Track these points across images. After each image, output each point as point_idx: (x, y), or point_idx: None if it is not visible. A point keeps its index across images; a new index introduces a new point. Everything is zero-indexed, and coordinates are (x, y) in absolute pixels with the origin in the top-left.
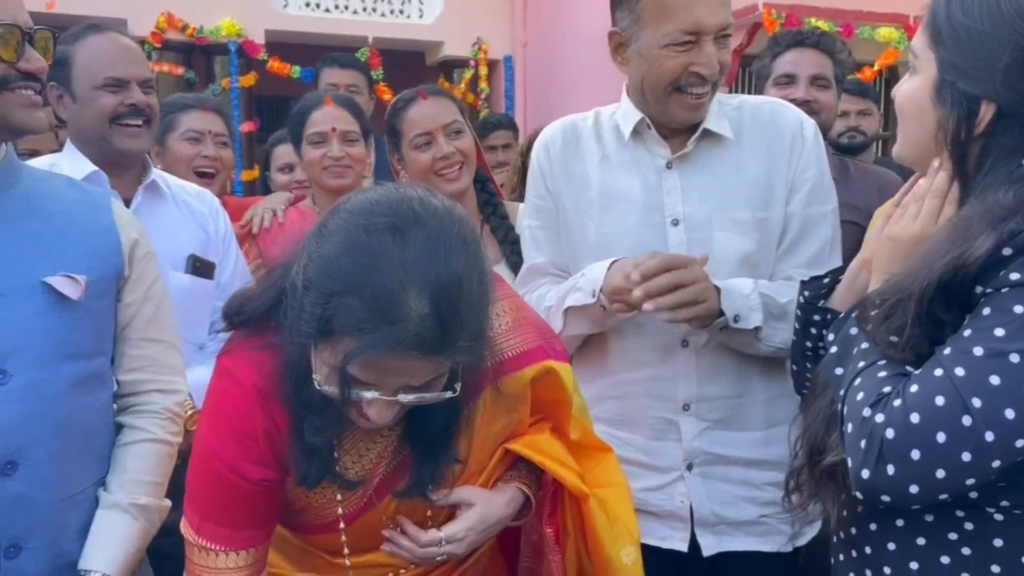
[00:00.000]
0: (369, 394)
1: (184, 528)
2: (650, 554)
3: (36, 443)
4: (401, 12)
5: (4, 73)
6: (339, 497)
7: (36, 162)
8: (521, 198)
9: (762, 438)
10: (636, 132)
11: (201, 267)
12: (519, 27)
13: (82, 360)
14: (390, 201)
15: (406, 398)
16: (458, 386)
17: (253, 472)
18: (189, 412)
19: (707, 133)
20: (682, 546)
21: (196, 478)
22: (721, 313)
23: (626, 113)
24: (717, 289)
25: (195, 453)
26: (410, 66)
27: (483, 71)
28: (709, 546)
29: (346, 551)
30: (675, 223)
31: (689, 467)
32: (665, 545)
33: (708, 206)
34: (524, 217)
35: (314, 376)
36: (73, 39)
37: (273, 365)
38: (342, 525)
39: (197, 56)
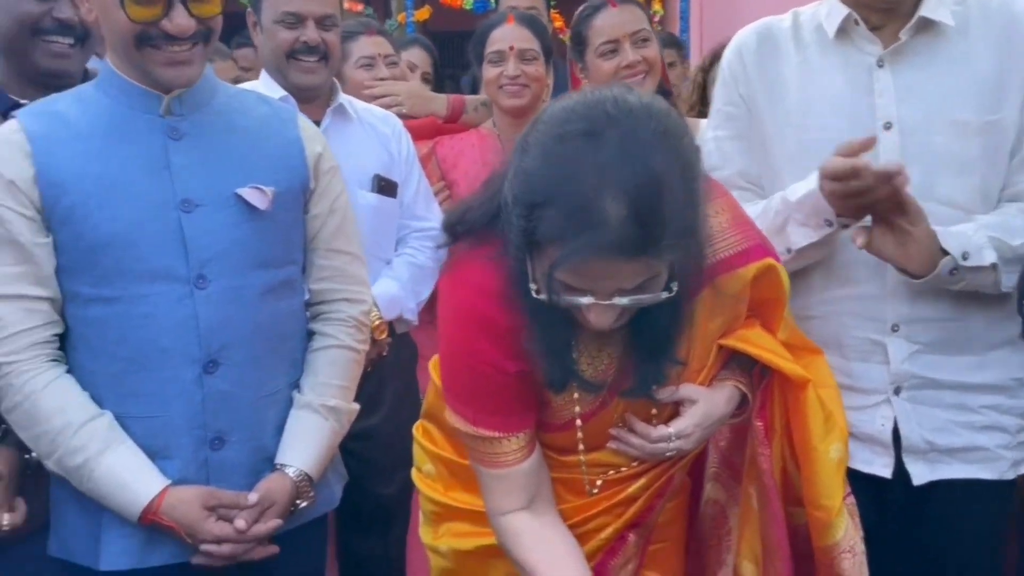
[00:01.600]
0: (584, 299)
1: (461, 424)
2: (851, 479)
3: (235, 344)
4: None
5: (142, 31)
6: (576, 396)
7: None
8: (699, 115)
9: (978, 362)
10: (842, 30)
11: (385, 186)
12: None
13: (273, 268)
14: (584, 106)
15: (621, 301)
16: (675, 286)
17: (508, 364)
18: (376, 322)
19: (924, 23)
20: (885, 472)
21: (456, 376)
22: (944, 254)
23: (831, 10)
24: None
25: (450, 356)
26: None
27: None
28: (920, 475)
29: (581, 447)
30: (887, 127)
31: (897, 391)
32: (867, 470)
33: (925, 107)
34: (709, 128)
35: (531, 285)
36: None
37: (501, 272)
38: (579, 423)
39: None
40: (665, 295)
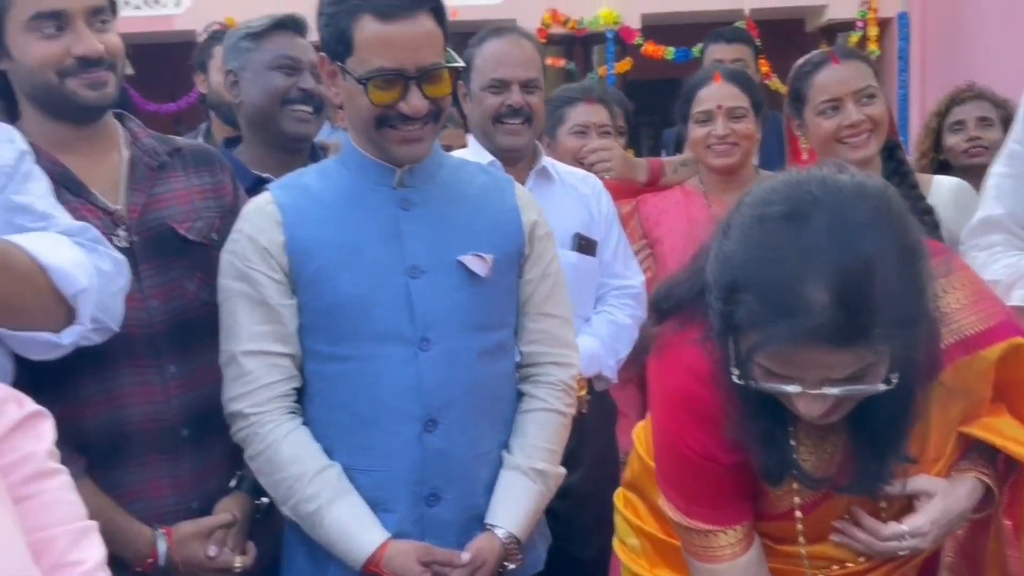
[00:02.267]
0: (789, 387)
1: (673, 513)
2: None
3: (453, 404)
4: None
5: (381, 113)
6: (795, 486)
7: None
8: (932, 163)
9: None
10: None
11: (585, 245)
12: None
13: (489, 331)
14: (787, 187)
15: (831, 391)
16: (895, 378)
17: (723, 456)
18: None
19: None
20: None
21: (670, 466)
22: None
23: None
24: None
25: (661, 443)
26: (788, 35)
27: (872, 32)
28: None
29: (801, 539)
30: None
31: None
32: None
33: None
34: (994, 165)
35: (732, 370)
36: (477, 42)
37: (711, 354)
38: (799, 515)
39: (577, 47)
40: (883, 387)
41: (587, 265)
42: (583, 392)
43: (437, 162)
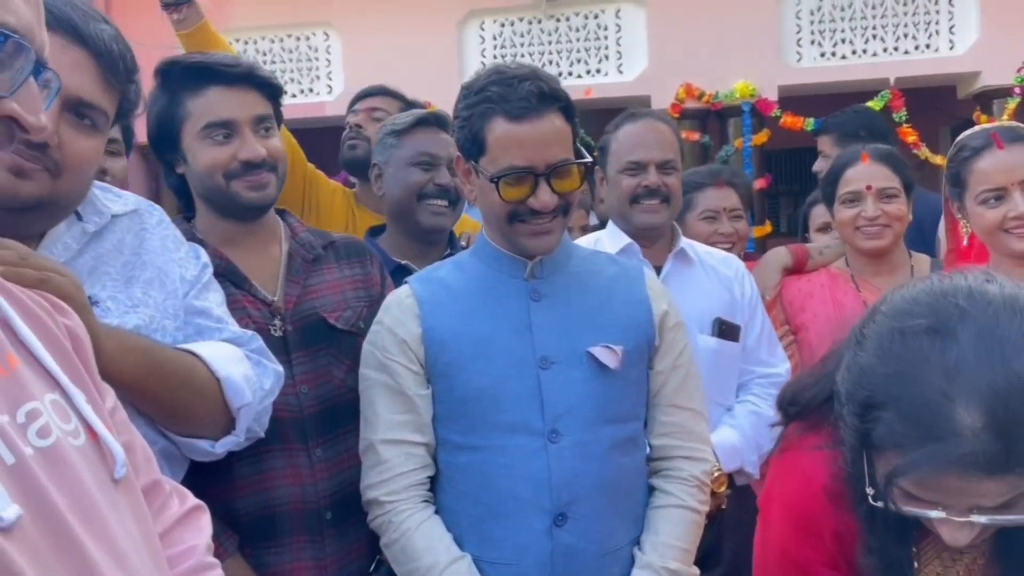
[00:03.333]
0: (934, 513)
1: None
2: None
3: (583, 498)
4: (927, 47)
5: (513, 209)
6: None
7: (583, 240)
8: None
9: None
10: None
11: (727, 330)
12: None
13: (620, 423)
14: (931, 296)
15: (979, 519)
16: None
17: (826, 574)
18: (716, 474)
19: None
20: None
21: (770, 568)
22: None
23: None
24: None
25: (765, 548)
26: (938, 102)
27: None
28: None
29: None
30: None
31: None
32: None
33: None
34: None
35: (867, 489)
36: (614, 127)
37: (836, 465)
38: None
39: (711, 120)
40: None
41: (728, 351)
42: (723, 488)
43: (567, 253)
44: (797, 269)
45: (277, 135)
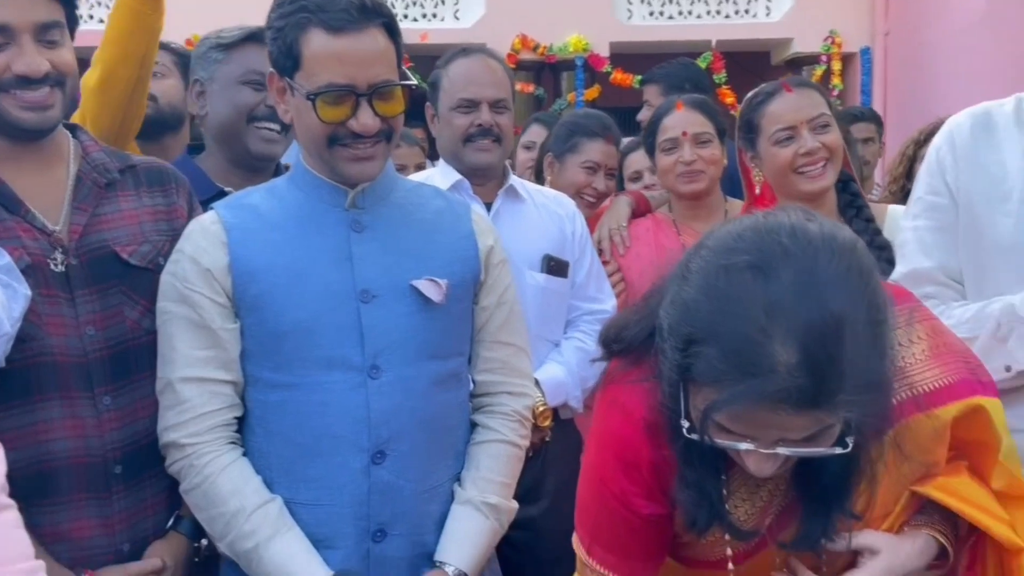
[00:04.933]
0: (743, 445)
1: (576, 545)
2: None
3: (403, 435)
4: (746, 12)
5: (332, 132)
6: (728, 537)
7: (415, 176)
8: (902, 189)
9: None
10: None
11: (556, 266)
12: (880, 15)
13: (442, 359)
14: (755, 233)
15: (784, 451)
16: (850, 441)
17: (642, 507)
18: (540, 408)
19: None
20: None
21: (587, 501)
22: None
23: None
24: None
25: (585, 477)
26: (754, 67)
27: (836, 66)
28: None
29: None
30: None
31: None
32: None
33: None
34: (907, 218)
35: (682, 422)
36: (445, 63)
37: (655, 399)
38: (731, 566)
39: (546, 74)
40: (838, 450)
41: (557, 287)
42: (547, 422)
43: (390, 184)
44: (639, 214)
45: (67, 46)
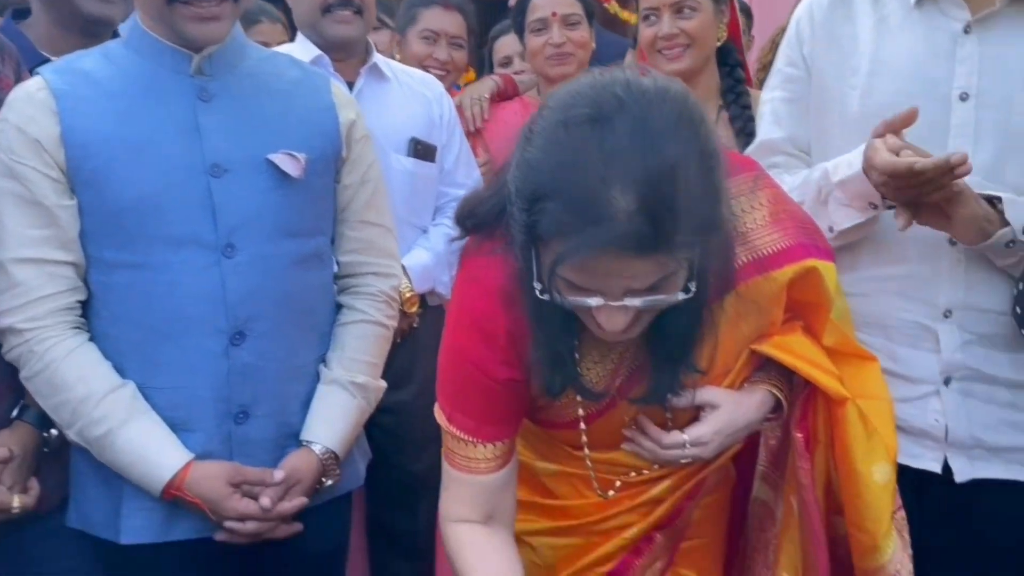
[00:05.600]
0: (593, 300)
1: (438, 414)
2: (900, 474)
3: (262, 315)
4: None
5: None
6: (579, 398)
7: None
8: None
9: None
10: None
11: (423, 150)
12: None
13: (303, 237)
14: (592, 88)
15: (633, 302)
16: (693, 286)
17: (499, 372)
18: (407, 294)
19: None
20: (935, 466)
21: (446, 371)
22: (1004, 223)
23: None
24: (993, 202)
25: (445, 348)
26: None
27: None
28: (962, 471)
29: (586, 450)
30: (963, 98)
31: (947, 382)
32: (916, 464)
33: (1010, 81)
34: (766, 89)
35: (535, 284)
36: None
37: (509, 267)
38: (583, 425)
39: None
40: (682, 296)
41: (425, 172)
42: (415, 308)
43: (240, 51)
44: (506, 96)
45: None
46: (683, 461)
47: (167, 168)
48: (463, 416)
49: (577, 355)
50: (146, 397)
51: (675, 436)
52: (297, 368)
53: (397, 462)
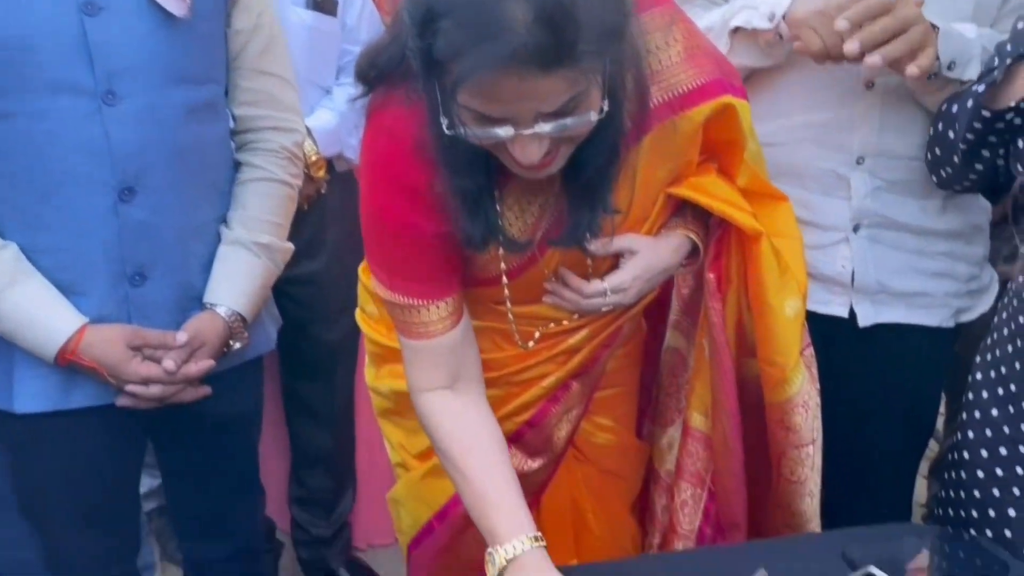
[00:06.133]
0: (503, 130)
1: (379, 290)
2: (808, 320)
3: (153, 169)
4: None
5: None
6: (502, 252)
7: None
8: None
9: (940, 207)
10: None
11: (323, 2)
12: None
13: (193, 85)
14: None
15: (544, 128)
16: (606, 105)
17: (426, 226)
18: (313, 157)
19: None
20: (842, 311)
21: (374, 237)
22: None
23: None
24: (935, 29)
25: (366, 213)
26: None
27: None
28: (866, 315)
29: (508, 304)
30: None
31: (856, 228)
32: (823, 310)
33: None
34: None
35: (441, 119)
36: None
37: (416, 116)
38: (505, 280)
39: None
40: (595, 117)
41: (325, 27)
42: (321, 172)
43: None
44: None
45: None
46: (604, 309)
47: (31, 4)
48: (405, 280)
49: (499, 208)
50: (31, 260)
51: (596, 285)
52: (196, 228)
53: (311, 332)
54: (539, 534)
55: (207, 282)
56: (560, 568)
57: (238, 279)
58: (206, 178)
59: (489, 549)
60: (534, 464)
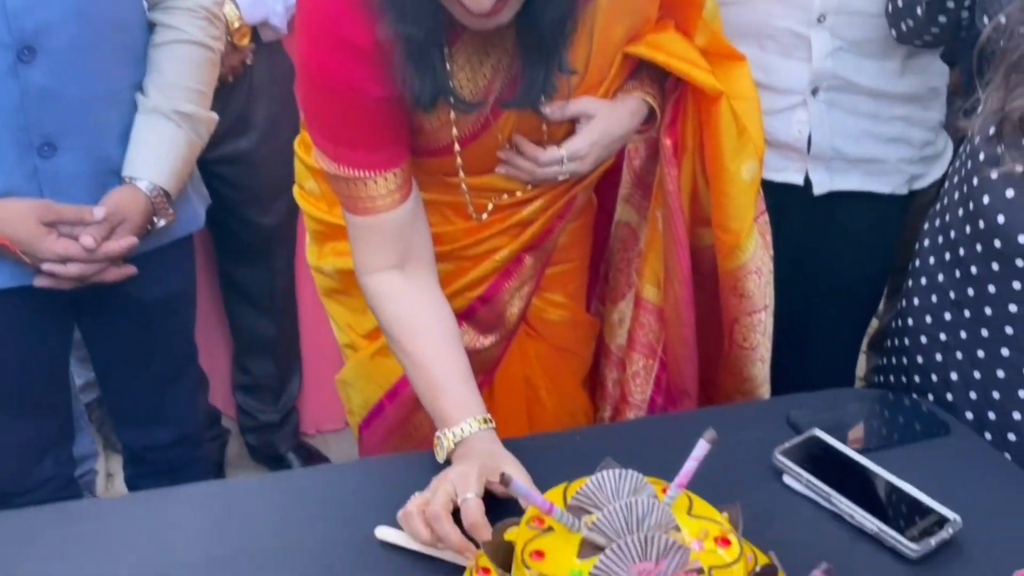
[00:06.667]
0: None
1: (321, 162)
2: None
3: (54, 27)
4: None
5: None
6: (453, 116)
7: None
8: None
9: (898, 69)
10: None
11: None
12: None
13: None
14: None
15: None
16: None
17: (371, 88)
18: (236, 24)
19: None
20: (797, 178)
21: (313, 101)
22: None
23: None
24: None
25: (304, 76)
26: None
27: None
28: (821, 183)
29: (461, 174)
30: None
31: (814, 92)
32: (779, 178)
33: None
34: None
35: None
36: None
37: None
38: (457, 148)
39: None
40: None
41: None
42: (246, 40)
43: None
44: None
45: None
46: (560, 178)
47: None
48: (349, 149)
49: (449, 66)
50: None
51: (552, 152)
52: (109, 95)
53: (244, 215)
54: (488, 416)
55: (125, 155)
56: (512, 441)
57: (159, 151)
58: (118, 40)
59: (438, 432)
60: (486, 341)
